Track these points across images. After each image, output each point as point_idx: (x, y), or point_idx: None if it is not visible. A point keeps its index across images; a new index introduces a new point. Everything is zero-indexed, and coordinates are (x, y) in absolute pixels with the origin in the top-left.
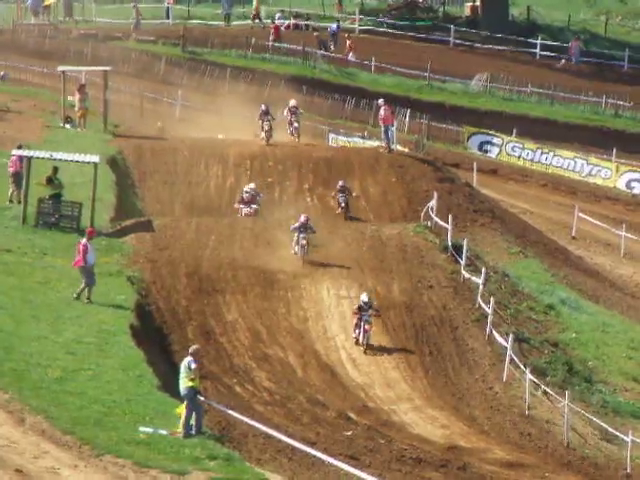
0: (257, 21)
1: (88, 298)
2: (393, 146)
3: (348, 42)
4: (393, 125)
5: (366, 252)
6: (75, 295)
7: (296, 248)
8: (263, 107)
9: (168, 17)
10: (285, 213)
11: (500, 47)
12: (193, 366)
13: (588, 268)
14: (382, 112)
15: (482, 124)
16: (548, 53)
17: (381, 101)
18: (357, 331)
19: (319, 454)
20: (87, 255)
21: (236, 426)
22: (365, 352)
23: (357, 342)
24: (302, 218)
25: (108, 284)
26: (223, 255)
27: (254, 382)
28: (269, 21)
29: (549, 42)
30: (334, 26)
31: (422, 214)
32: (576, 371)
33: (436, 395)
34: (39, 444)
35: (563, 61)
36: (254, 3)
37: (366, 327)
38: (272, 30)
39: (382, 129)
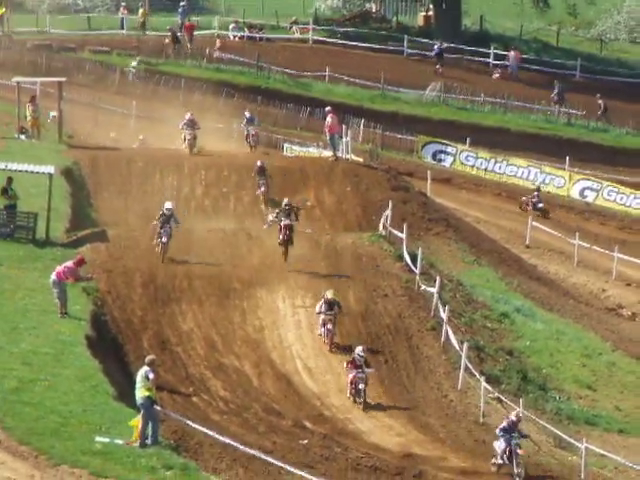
0: (143, 31)
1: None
2: (347, 155)
3: (218, 40)
4: (341, 134)
5: (321, 261)
6: (60, 315)
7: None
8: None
9: (122, 27)
10: (241, 223)
11: (453, 56)
12: (151, 376)
13: (542, 276)
14: (329, 120)
15: (436, 133)
16: (501, 62)
17: (328, 109)
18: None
19: (275, 462)
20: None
21: (192, 435)
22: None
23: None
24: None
25: None
26: (178, 264)
27: (210, 391)
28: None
29: (502, 52)
30: None
31: (379, 224)
32: (530, 379)
33: (391, 403)
34: None
35: (499, 70)
36: (139, 12)
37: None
38: (217, 41)
39: (327, 137)
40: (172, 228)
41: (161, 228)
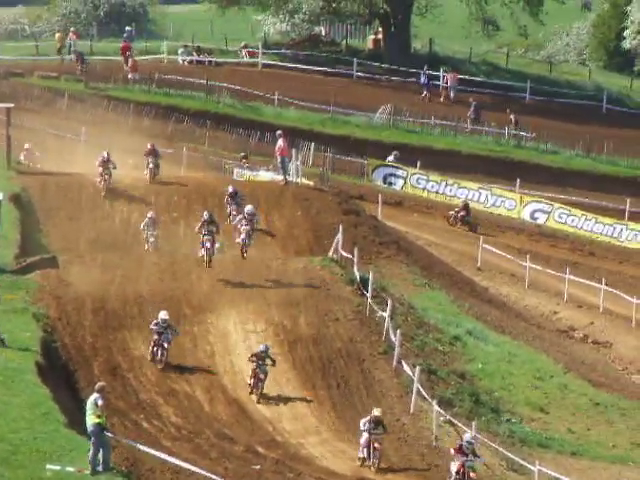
0: (61, 55)
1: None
2: (297, 179)
3: (130, 60)
4: (290, 158)
5: (272, 286)
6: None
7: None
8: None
9: (69, 53)
10: (190, 247)
11: (403, 79)
12: (100, 402)
13: (493, 299)
14: (280, 143)
15: (386, 156)
16: (440, 83)
17: (279, 132)
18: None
19: None
20: None
21: (144, 462)
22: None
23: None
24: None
25: (13, 321)
26: (129, 290)
27: (161, 417)
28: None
29: (434, 73)
30: None
31: (330, 248)
32: (483, 402)
33: (344, 428)
34: None
35: (431, 94)
36: (56, 36)
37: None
38: (128, 64)
39: (278, 160)
40: (172, 336)
41: (159, 336)
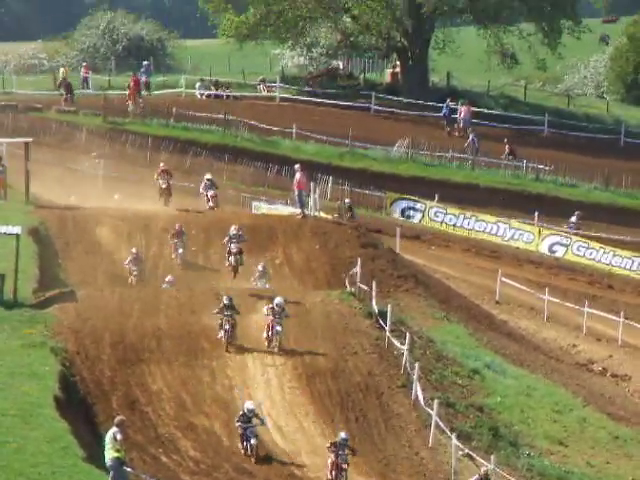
0: (60, 90)
1: None
2: (315, 212)
3: (128, 91)
4: (309, 192)
5: (290, 319)
6: None
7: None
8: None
9: (84, 87)
10: (209, 281)
11: (421, 113)
12: (119, 437)
13: (512, 332)
14: (298, 176)
15: (404, 190)
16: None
17: (297, 166)
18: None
19: None
20: None
21: None
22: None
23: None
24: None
25: (31, 355)
26: (147, 324)
27: (180, 452)
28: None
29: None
30: None
31: (346, 280)
32: (501, 435)
33: (362, 461)
34: None
35: (452, 127)
36: (60, 71)
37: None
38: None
39: (296, 193)
40: (256, 427)
41: (245, 429)
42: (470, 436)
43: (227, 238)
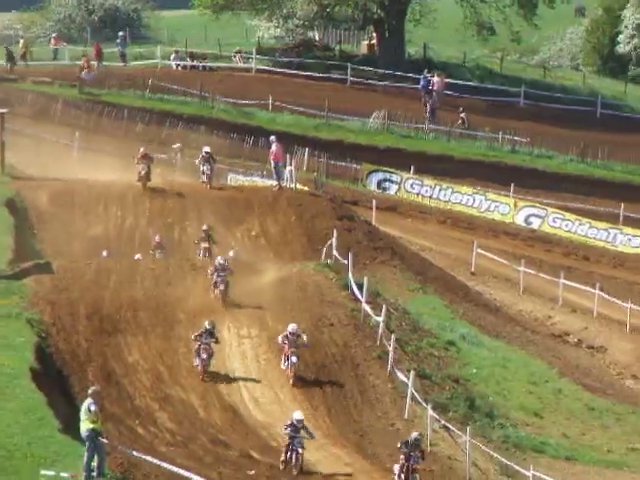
0: (25, 62)
1: None
2: (292, 185)
3: (84, 59)
4: (285, 163)
5: (267, 291)
6: None
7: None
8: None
9: (55, 58)
10: (185, 253)
11: (397, 84)
12: (93, 408)
13: (488, 304)
14: (273, 148)
15: (380, 161)
16: (446, 91)
17: (273, 138)
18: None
19: None
20: None
21: (139, 467)
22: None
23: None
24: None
25: (7, 327)
26: (123, 296)
27: (156, 423)
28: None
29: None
30: None
31: (323, 252)
32: (477, 406)
33: (338, 433)
34: None
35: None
36: (20, 42)
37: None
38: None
39: (272, 165)
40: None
41: (292, 439)
42: (446, 407)
43: (212, 269)
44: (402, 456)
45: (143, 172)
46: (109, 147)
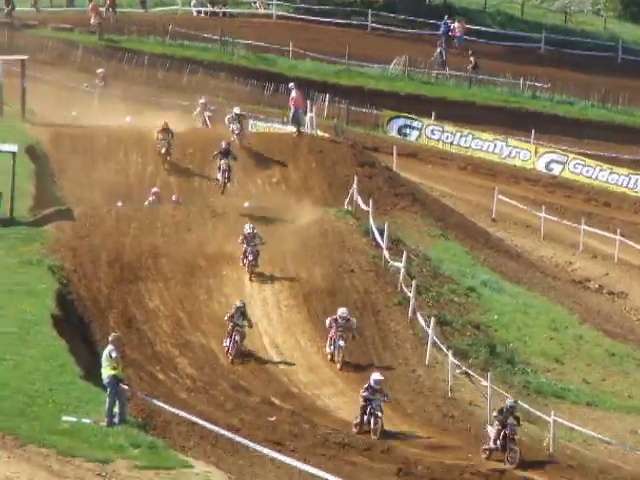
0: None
1: None
2: (312, 131)
3: (91, 5)
4: (305, 109)
5: (287, 237)
6: None
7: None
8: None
9: (70, 4)
10: (206, 200)
11: (417, 31)
12: (114, 355)
13: (509, 250)
14: (293, 94)
15: (401, 108)
16: (465, 37)
17: (292, 84)
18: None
19: (243, 440)
20: None
21: (160, 413)
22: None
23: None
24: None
25: (28, 273)
26: (144, 243)
27: (177, 369)
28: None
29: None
30: None
31: (345, 199)
32: (498, 353)
33: (359, 379)
34: None
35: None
36: None
37: (236, 338)
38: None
39: (291, 111)
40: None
41: (370, 402)
42: (466, 354)
43: (242, 237)
44: (497, 422)
45: (163, 151)
46: (129, 94)
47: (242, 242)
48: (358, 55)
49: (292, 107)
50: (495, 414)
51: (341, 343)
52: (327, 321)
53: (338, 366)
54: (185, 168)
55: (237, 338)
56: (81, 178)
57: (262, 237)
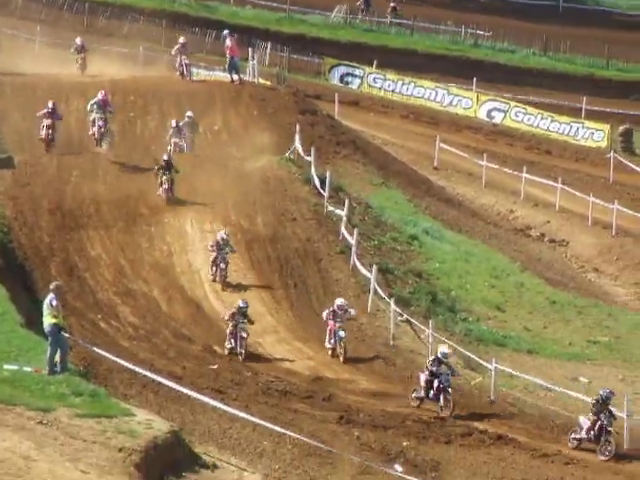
0: None
1: None
2: (254, 79)
3: None
4: (240, 57)
5: (229, 185)
6: None
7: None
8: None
9: None
10: (148, 147)
11: None
12: (55, 303)
13: (450, 198)
14: (228, 42)
15: (343, 56)
16: None
17: (226, 32)
18: (214, 269)
19: (185, 389)
20: None
21: (101, 362)
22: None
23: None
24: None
25: None
26: (86, 190)
27: (119, 317)
28: None
29: None
30: None
31: (290, 149)
32: (440, 301)
33: (301, 327)
34: None
35: None
36: None
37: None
38: None
39: (228, 60)
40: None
41: (438, 375)
42: (408, 302)
43: (212, 244)
44: (591, 413)
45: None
46: (70, 42)
47: (212, 249)
48: (299, 2)
49: (228, 55)
50: (591, 406)
51: (342, 334)
52: (324, 314)
53: (341, 359)
54: (127, 115)
55: (244, 335)
56: (22, 126)
57: (233, 247)
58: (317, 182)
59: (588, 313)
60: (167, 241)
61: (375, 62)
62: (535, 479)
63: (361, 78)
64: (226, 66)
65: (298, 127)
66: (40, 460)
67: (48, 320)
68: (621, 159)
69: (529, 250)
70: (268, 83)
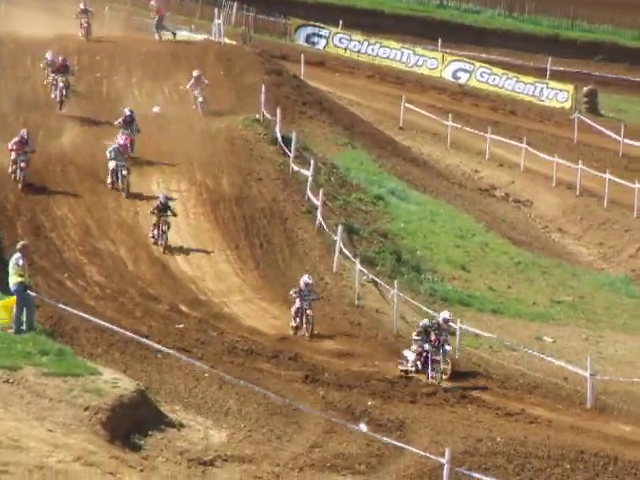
0: None
1: None
2: (220, 39)
3: None
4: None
5: (195, 146)
6: None
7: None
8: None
9: None
10: (114, 108)
11: None
12: (21, 262)
13: (416, 158)
14: (153, 3)
15: (309, 16)
16: None
17: None
18: (155, 232)
19: (151, 345)
20: None
21: (68, 321)
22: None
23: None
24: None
25: None
26: (51, 150)
27: (85, 277)
28: None
29: None
30: None
31: (253, 107)
32: (405, 260)
33: (267, 287)
34: None
35: None
36: None
37: (163, 228)
38: None
39: (155, 20)
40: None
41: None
42: (373, 261)
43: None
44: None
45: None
46: (36, 2)
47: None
48: None
49: (156, 15)
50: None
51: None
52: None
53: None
54: (93, 75)
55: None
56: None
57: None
58: (282, 142)
59: (552, 273)
60: (134, 201)
61: (341, 23)
62: (499, 438)
63: (327, 39)
64: (154, 25)
65: (264, 87)
66: (6, 419)
67: (14, 279)
68: (585, 120)
69: (494, 210)
70: (234, 43)
